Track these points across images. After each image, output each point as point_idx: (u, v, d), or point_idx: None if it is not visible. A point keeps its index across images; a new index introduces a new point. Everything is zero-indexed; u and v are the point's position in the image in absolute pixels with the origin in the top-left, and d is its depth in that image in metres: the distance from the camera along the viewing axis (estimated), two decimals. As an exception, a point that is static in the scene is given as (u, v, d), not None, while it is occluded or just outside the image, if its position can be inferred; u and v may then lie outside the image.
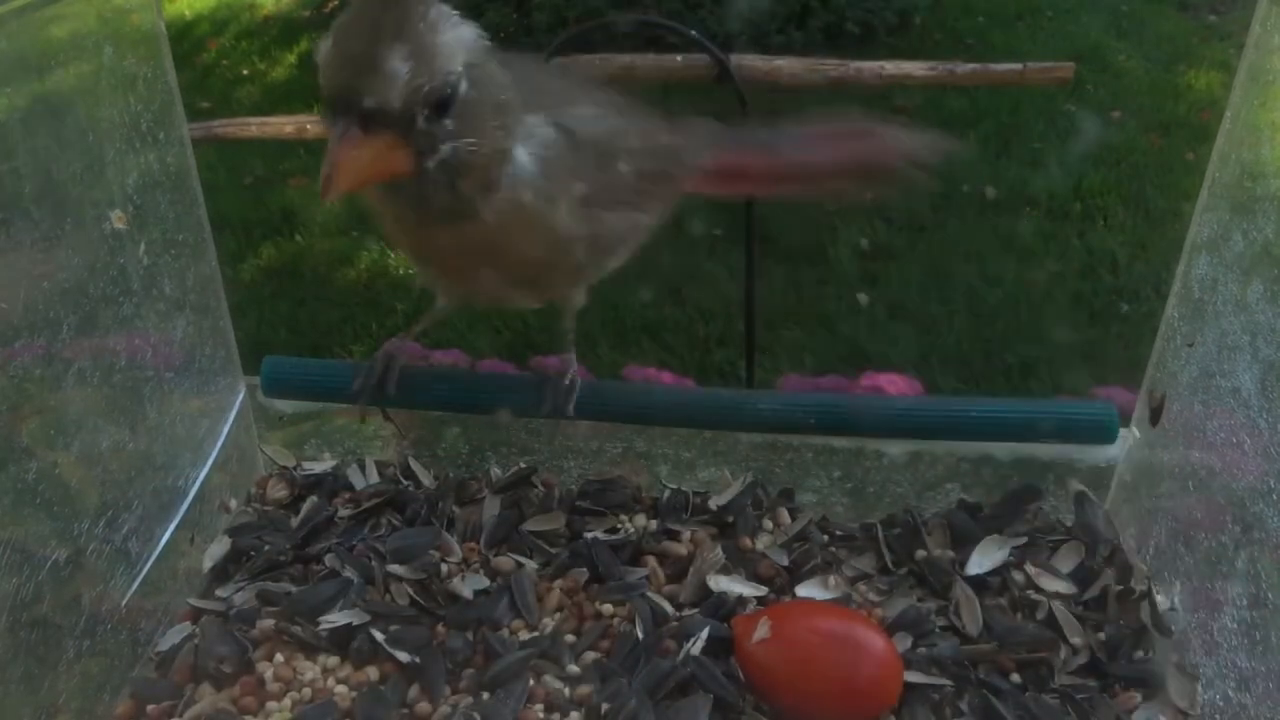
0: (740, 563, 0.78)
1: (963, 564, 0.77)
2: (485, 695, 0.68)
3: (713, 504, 0.83)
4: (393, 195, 0.64)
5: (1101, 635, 0.72)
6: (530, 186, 0.66)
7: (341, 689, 0.68)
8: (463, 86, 0.59)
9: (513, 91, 0.64)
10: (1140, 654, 0.72)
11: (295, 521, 0.83)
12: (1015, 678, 0.70)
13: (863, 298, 2.51)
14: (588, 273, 0.77)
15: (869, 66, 1.82)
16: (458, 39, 0.59)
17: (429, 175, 0.60)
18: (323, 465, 0.89)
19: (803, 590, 0.76)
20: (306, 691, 0.68)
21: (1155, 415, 0.79)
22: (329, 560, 0.78)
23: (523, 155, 0.66)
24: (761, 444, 0.87)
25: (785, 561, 0.78)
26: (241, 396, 0.91)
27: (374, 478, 0.88)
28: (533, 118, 0.66)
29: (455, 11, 0.60)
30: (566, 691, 0.68)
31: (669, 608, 0.74)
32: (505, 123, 0.63)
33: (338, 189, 0.56)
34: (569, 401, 0.81)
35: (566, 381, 0.81)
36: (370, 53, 0.56)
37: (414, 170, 0.59)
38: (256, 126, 2.07)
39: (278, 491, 0.87)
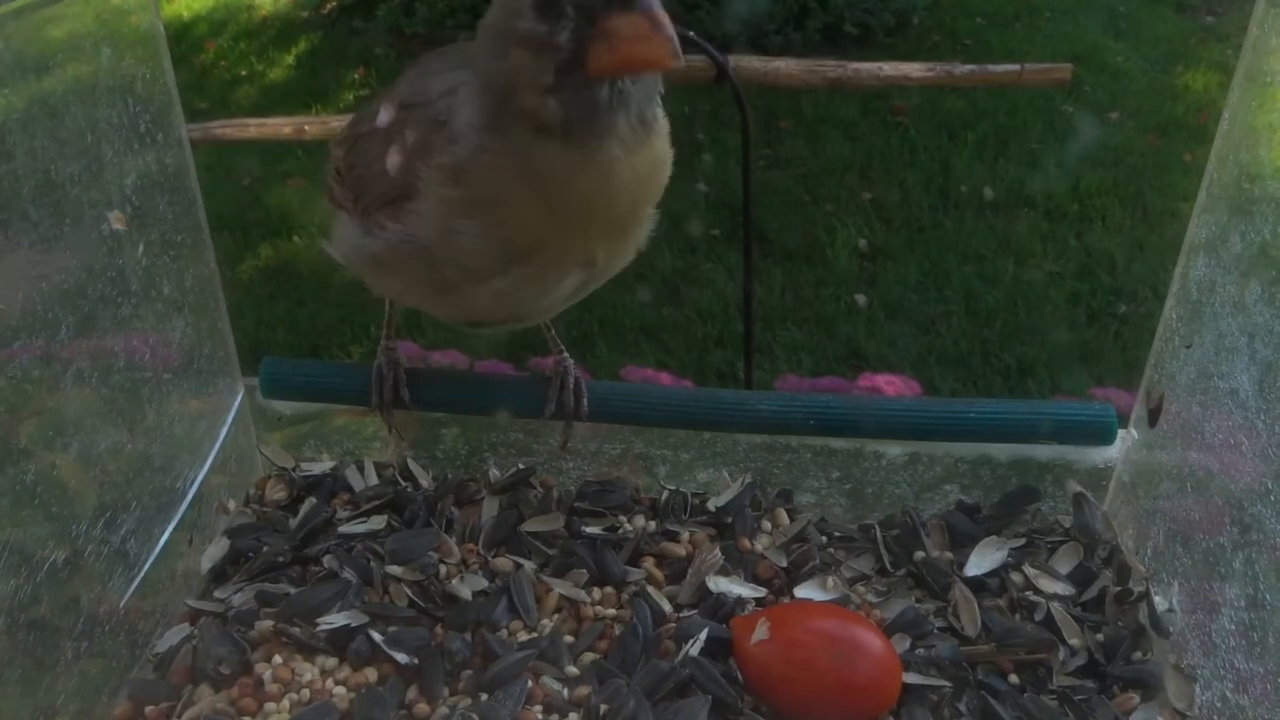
0: (739, 564, 0.78)
1: (961, 565, 0.78)
2: (484, 696, 0.68)
3: (711, 505, 0.84)
4: (556, 119, 0.61)
5: (1100, 636, 0.72)
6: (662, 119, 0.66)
7: (340, 690, 0.68)
8: None
9: None
10: (1138, 655, 0.72)
11: (294, 523, 0.82)
12: (1014, 679, 0.70)
13: (861, 298, 2.51)
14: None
15: (867, 67, 1.82)
16: None
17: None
18: (321, 466, 0.89)
19: (801, 591, 0.76)
20: (305, 693, 0.68)
21: (1153, 416, 0.79)
22: (328, 561, 0.78)
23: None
24: (760, 445, 0.87)
25: (784, 562, 0.78)
26: (240, 397, 0.90)
27: (373, 479, 0.87)
28: None
29: None
30: (565, 693, 0.68)
31: (668, 608, 0.74)
32: None
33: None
34: (580, 404, 0.81)
35: (571, 381, 0.81)
36: None
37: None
38: (254, 127, 2.07)
39: (276, 493, 0.87)
